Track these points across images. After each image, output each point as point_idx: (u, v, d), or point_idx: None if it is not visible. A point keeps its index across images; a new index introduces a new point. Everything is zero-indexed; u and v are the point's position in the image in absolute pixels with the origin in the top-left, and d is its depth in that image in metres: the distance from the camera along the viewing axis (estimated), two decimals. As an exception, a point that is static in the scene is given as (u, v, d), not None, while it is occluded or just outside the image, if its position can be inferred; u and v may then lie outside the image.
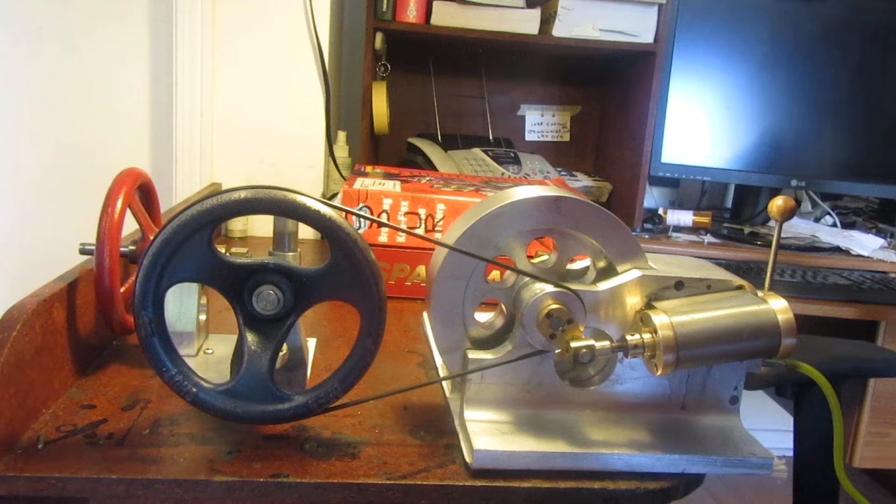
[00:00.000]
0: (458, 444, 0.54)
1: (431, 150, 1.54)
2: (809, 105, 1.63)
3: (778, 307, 0.53)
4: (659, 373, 0.52)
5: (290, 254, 0.57)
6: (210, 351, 0.68)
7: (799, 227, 1.70)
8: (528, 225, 0.54)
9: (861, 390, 1.37)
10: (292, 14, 1.27)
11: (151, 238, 0.48)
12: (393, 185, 0.96)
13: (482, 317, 0.58)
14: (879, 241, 1.56)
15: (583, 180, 1.65)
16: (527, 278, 0.55)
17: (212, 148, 1.31)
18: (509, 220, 0.54)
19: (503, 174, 1.48)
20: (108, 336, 0.68)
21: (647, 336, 0.52)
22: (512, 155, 1.56)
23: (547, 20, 1.44)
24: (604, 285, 0.55)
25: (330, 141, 1.34)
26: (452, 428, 0.56)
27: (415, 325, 0.82)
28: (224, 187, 0.86)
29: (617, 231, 0.55)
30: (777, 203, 0.57)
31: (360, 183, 0.95)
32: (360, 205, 0.91)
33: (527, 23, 1.42)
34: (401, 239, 0.91)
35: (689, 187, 1.89)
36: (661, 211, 1.61)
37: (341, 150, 1.40)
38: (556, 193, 0.54)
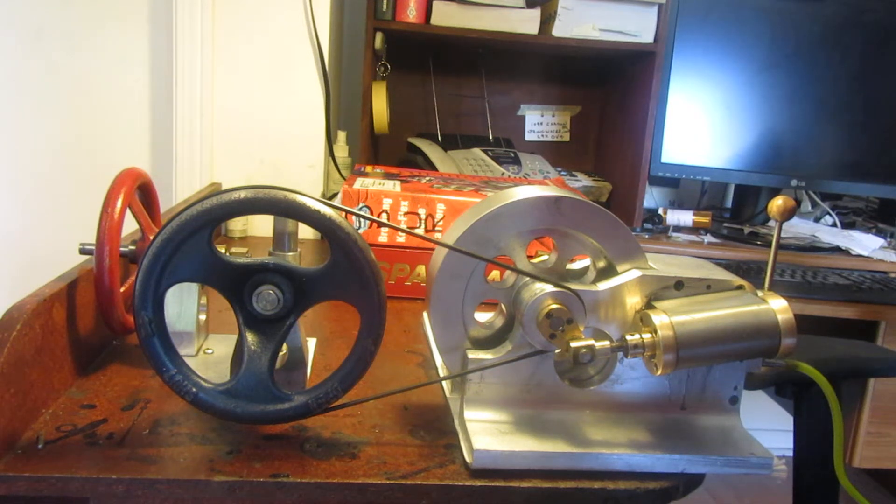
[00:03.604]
0: (458, 444, 0.54)
1: (431, 150, 1.54)
2: (809, 105, 1.63)
3: (778, 307, 0.53)
4: (659, 373, 0.52)
5: (290, 254, 0.57)
6: (210, 351, 0.68)
7: (799, 227, 1.70)
8: (528, 225, 0.54)
9: (861, 390, 1.37)
10: (292, 14, 1.27)
11: (151, 238, 0.48)
12: (393, 185, 0.96)
13: (482, 317, 0.58)
14: (879, 241, 1.56)
15: (583, 180, 1.65)
16: (527, 278, 0.55)
17: (212, 148, 1.31)
18: (509, 220, 0.54)
19: (503, 174, 1.48)
20: (108, 336, 0.68)
21: (647, 336, 0.52)
22: (512, 155, 1.56)
23: (547, 20, 1.44)
24: (604, 285, 0.55)
25: (330, 141, 1.34)
26: (452, 428, 0.56)
27: (415, 325, 0.82)
28: (224, 187, 0.86)
29: (617, 231, 0.55)
30: (777, 203, 0.57)
31: (360, 183, 0.95)
32: (360, 205, 0.91)
33: (527, 23, 1.42)
34: (401, 239, 0.91)
35: (689, 187, 1.89)
36: (661, 211, 1.61)
37: (341, 150, 1.40)
38: (556, 193, 0.54)
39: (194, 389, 0.50)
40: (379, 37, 1.43)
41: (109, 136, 1.37)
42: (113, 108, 1.36)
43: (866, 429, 1.37)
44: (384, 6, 1.40)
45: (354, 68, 1.66)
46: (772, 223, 1.71)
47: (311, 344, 0.72)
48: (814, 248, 1.55)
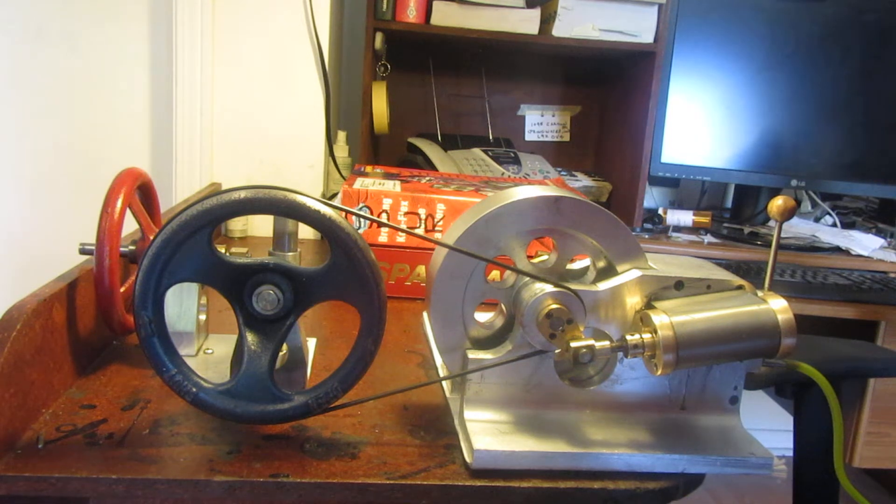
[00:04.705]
0: (458, 444, 0.54)
1: (431, 150, 1.54)
2: (809, 105, 1.63)
3: (778, 307, 0.53)
4: (659, 373, 0.52)
5: (290, 254, 0.57)
6: (210, 351, 0.68)
7: (799, 227, 1.70)
8: (528, 225, 0.54)
9: (861, 390, 1.37)
10: (292, 14, 1.27)
11: (151, 238, 0.48)
12: (393, 185, 0.96)
13: (482, 317, 0.58)
14: (879, 241, 1.56)
15: (583, 180, 1.65)
16: (527, 278, 0.55)
17: (212, 148, 1.31)
18: (509, 220, 0.54)
19: (503, 174, 1.48)
20: (108, 336, 0.68)
21: (646, 336, 0.52)
22: (512, 155, 1.56)
23: (547, 20, 1.44)
24: (604, 285, 0.55)
25: (330, 141, 1.34)
26: (452, 428, 0.56)
27: (415, 325, 0.82)
28: (224, 187, 0.86)
29: (617, 231, 0.55)
30: (777, 203, 0.57)
31: (360, 183, 0.95)
32: (360, 205, 0.91)
33: (527, 23, 1.42)
34: (401, 239, 0.91)
35: (689, 187, 1.89)
36: (661, 211, 1.61)
37: (341, 150, 1.40)
38: (556, 193, 0.54)
39: (194, 389, 0.50)
40: (379, 37, 1.43)
41: (109, 136, 1.37)
42: (113, 108, 1.36)
43: (866, 429, 1.37)
44: (384, 6, 1.40)
45: (354, 68, 1.66)
46: (772, 223, 1.71)
47: (311, 344, 0.72)
48: (814, 248, 1.55)
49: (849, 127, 1.65)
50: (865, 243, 1.55)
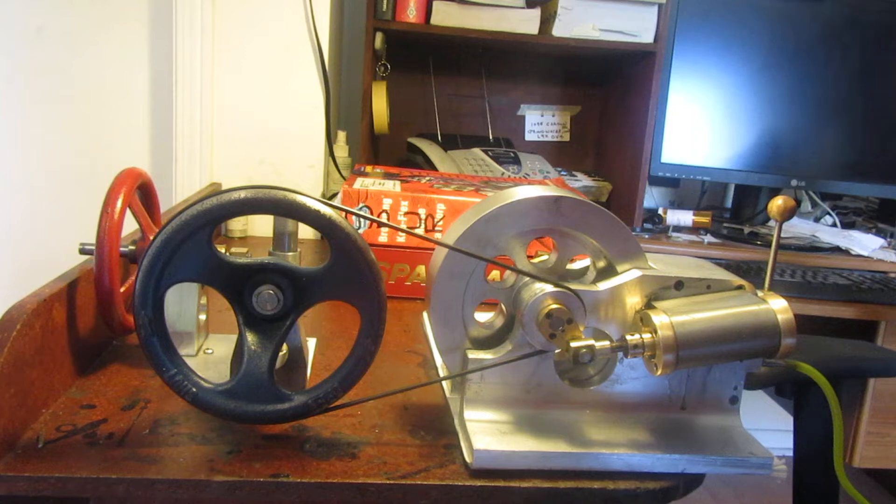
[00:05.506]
0: (458, 444, 0.54)
1: (431, 150, 1.54)
2: (809, 105, 1.63)
3: (778, 307, 0.53)
4: (659, 373, 0.52)
5: (290, 254, 0.57)
6: (210, 351, 0.68)
7: (799, 227, 1.70)
8: (528, 225, 0.54)
9: (861, 390, 1.37)
10: (292, 14, 1.27)
11: (151, 238, 0.48)
12: (393, 185, 0.96)
13: (482, 317, 0.58)
14: (879, 241, 1.56)
15: (583, 180, 1.65)
16: (527, 278, 0.55)
17: (212, 148, 1.31)
18: (509, 220, 0.54)
19: (503, 174, 1.48)
20: (108, 336, 0.68)
21: (646, 336, 0.52)
22: (512, 155, 1.56)
23: (547, 20, 1.44)
24: (604, 285, 0.55)
25: (330, 141, 1.34)
26: (452, 428, 0.56)
27: (415, 325, 0.82)
28: (224, 187, 0.86)
29: (617, 231, 0.55)
30: (777, 203, 0.57)
31: (360, 183, 0.95)
32: (360, 205, 0.91)
33: (527, 23, 1.43)
34: (401, 239, 0.91)
35: (689, 187, 1.89)
36: (661, 211, 1.61)
37: (341, 150, 1.40)
38: (556, 193, 0.54)
39: (194, 389, 0.50)
40: (379, 37, 1.43)
41: (109, 136, 1.37)
42: (113, 108, 1.36)
43: (866, 429, 1.37)
44: (384, 6, 1.40)
45: (354, 68, 1.66)
46: (772, 223, 1.71)
47: (311, 344, 0.72)
48: (814, 248, 1.55)
49: (849, 127, 1.65)
50: (865, 243, 1.55)
